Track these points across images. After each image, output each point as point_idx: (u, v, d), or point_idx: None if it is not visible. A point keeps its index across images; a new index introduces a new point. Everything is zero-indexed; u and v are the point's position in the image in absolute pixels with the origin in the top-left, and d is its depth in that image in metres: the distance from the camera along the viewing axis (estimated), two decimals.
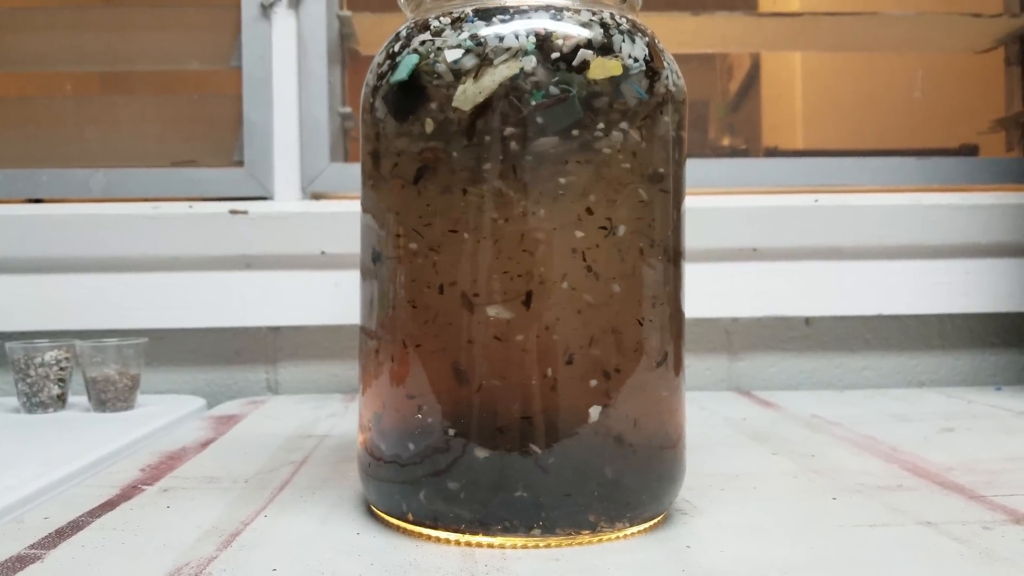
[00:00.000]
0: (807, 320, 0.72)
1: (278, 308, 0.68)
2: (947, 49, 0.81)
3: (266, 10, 0.70)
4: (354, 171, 0.70)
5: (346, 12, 0.71)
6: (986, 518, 0.34)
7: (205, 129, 0.73)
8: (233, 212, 0.66)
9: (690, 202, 0.66)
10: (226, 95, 0.72)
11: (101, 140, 0.73)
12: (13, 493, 0.38)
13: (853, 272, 0.69)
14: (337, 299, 0.67)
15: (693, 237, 0.66)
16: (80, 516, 0.34)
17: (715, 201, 0.68)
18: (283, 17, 0.70)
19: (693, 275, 0.66)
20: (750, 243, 0.68)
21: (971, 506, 0.35)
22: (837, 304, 0.69)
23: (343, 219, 0.66)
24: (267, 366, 0.71)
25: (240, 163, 0.71)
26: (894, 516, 0.34)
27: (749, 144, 1.61)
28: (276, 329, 0.70)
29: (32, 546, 0.30)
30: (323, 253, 0.67)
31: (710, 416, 0.58)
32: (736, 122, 1.89)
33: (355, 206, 0.66)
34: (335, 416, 0.58)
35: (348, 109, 0.73)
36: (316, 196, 0.71)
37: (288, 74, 0.70)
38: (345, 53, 0.74)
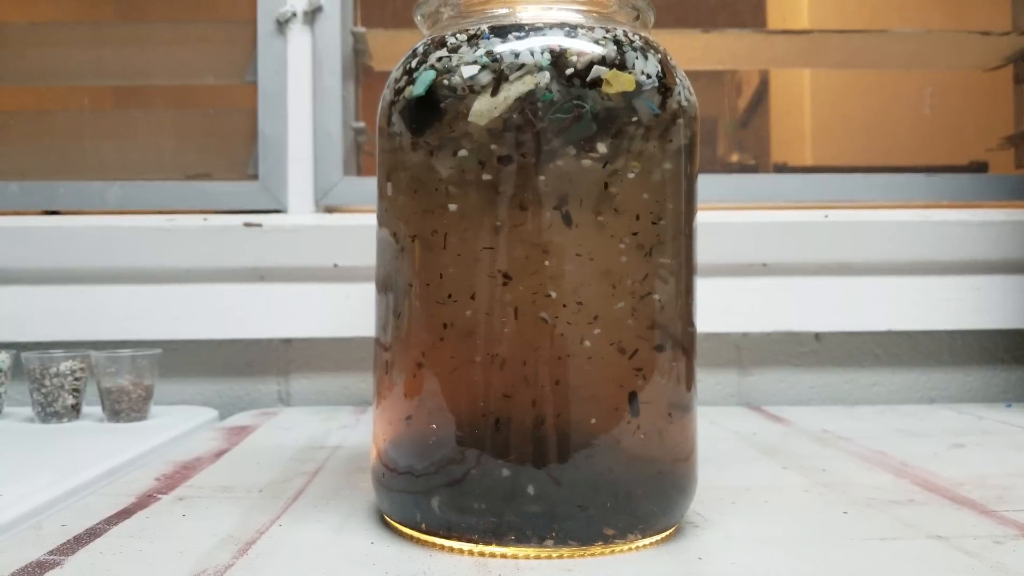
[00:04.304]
0: (817, 336, 0.72)
1: (290, 320, 0.68)
2: (956, 67, 0.81)
3: (281, 26, 0.71)
4: (367, 185, 0.71)
5: (360, 28, 0.72)
6: (997, 532, 0.34)
7: (220, 143, 0.74)
8: (247, 225, 0.67)
9: (700, 217, 0.66)
10: (241, 109, 0.73)
11: (117, 153, 0.74)
12: (29, 500, 0.38)
13: (863, 288, 0.69)
14: (348, 312, 0.68)
15: (703, 252, 0.66)
16: (97, 523, 0.34)
17: (725, 216, 0.68)
18: (298, 33, 0.71)
19: (703, 290, 0.66)
20: (760, 258, 0.68)
21: (982, 521, 0.35)
22: (847, 320, 0.69)
23: (355, 232, 0.67)
24: (279, 378, 0.71)
25: (254, 176, 0.72)
26: (905, 530, 0.34)
27: (758, 160, 1.61)
28: (288, 341, 0.71)
29: (51, 552, 0.31)
30: (335, 266, 0.67)
31: (720, 431, 0.58)
32: (745, 138, 1.89)
33: (367, 219, 0.67)
34: (346, 428, 0.59)
35: (362, 124, 0.73)
36: (329, 209, 0.72)
37: (303, 89, 0.71)
38: (359, 69, 0.75)
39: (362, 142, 0.74)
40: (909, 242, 0.68)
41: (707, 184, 0.72)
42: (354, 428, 0.59)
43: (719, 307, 0.69)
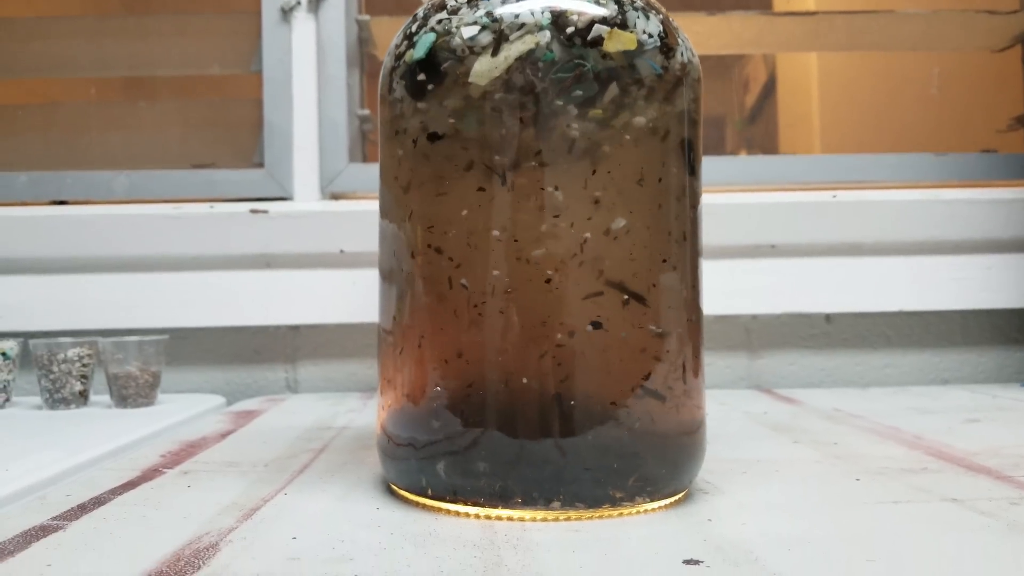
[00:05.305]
0: (827, 317, 0.71)
1: (297, 307, 0.68)
2: (963, 47, 0.80)
3: (286, 14, 0.71)
4: (372, 171, 0.71)
5: (364, 16, 0.72)
6: (1013, 495, 0.33)
7: (226, 132, 0.74)
8: (253, 212, 0.67)
9: (707, 199, 0.66)
10: (247, 99, 0.74)
11: (124, 144, 0.74)
12: (35, 475, 0.38)
13: (873, 268, 0.69)
14: (355, 297, 0.68)
15: (711, 235, 0.66)
16: (102, 494, 0.34)
17: (732, 198, 0.68)
18: (303, 21, 0.71)
19: (712, 273, 0.66)
20: (768, 239, 0.68)
21: (997, 485, 0.35)
22: (857, 301, 0.69)
23: (361, 218, 0.67)
24: (286, 365, 0.71)
25: (260, 165, 0.72)
26: (918, 494, 0.34)
27: (767, 153, 1.61)
28: (295, 328, 0.71)
29: (54, 518, 0.31)
30: (341, 252, 0.67)
31: (730, 411, 0.57)
32: (754, 134, 1.89)
33: (373, 206, 0.66)
34: (353, 411, 0.58)
35: (366, 111, 0.73)
36: (335, 196, 0.72)
37: (308, 77, 0.71)
38: (363, 57, 0.75)
39: (367, 130, 0.74)
40: (918, 221, 0.68)
41: (716, 166, 0.71)
42: (361, 412, 0.58)
43: (728, 289, 0.68)
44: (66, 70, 0.75)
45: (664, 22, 0.33)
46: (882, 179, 0.71)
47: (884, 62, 1.08)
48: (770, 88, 1.69)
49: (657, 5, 0.34)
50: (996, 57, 0.79)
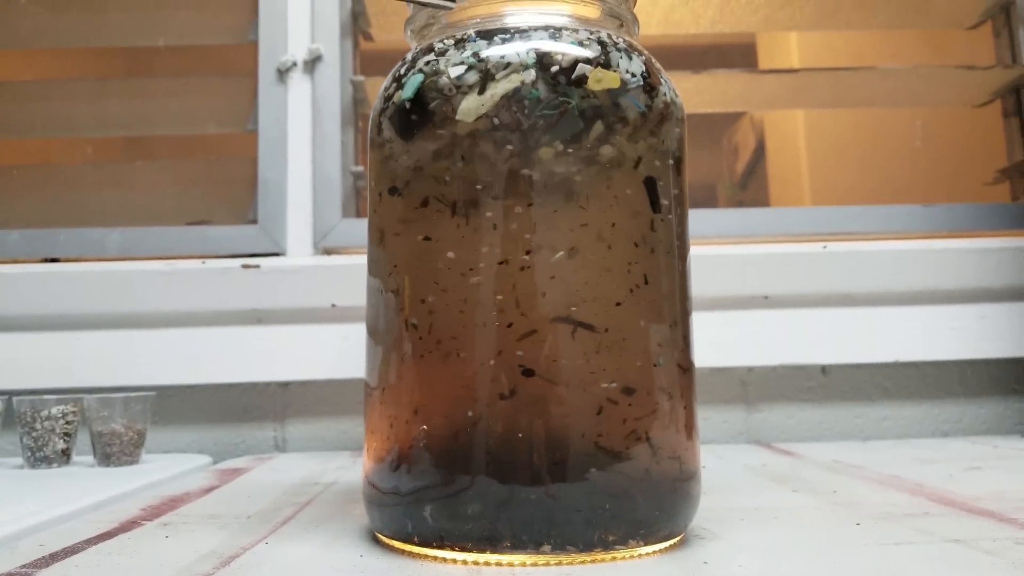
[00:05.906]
0: (823, 369, 0.70)
1: (287, 363, 0.67)
2: (944, 103, 0.82)
3: (282, 75, 0.72)
4: (365, 226, 0.71)
5: (359, 77, 0.74)
6: (1017, 536, 0.32)
7: (221, 190, 0.75)
8: (245, 267, 0.67)
9: (699, 251, 0.66)
10: (242, 157, 0.74)
11: (120, 202, 0.74)
12: (7, 527, 0.37)
13: (866, 319, 0.68)
14: (347, 353, 0.67)
15: (703, 285, 0.66)
16: (75, 543, 0.33)
17: (723, 250, 0.68)
18: (298, 82, 0.72)
19: (705, 324, 0.66)
20: (761, 291, 0.68)
21: (1001, 527, 0.34)
22: (853, 352, 0.68)
23: (353, 271, 0.67)
24: (275, 424, 0.70)
25: (254, 221, 0.72)
26: (920, 536, 0.32)
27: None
28: (285, 385, 0.70)
29: (24, 566, 0.29)
30: (333, 306, 0.67)
31: (729, 464, 0.56)
32: (744, 198, 1.91)
33: (364, 260, 0.66)
34: (343, 468, 0.57)
35: (360, 168, 0.74)
36: (328, 251, 0.72)
37: (303, 135, 0.72)
38: (357, 116, 0.76)
39: (361, 186, 0.75)
40: (910, 271, 0.68)
41: (707, 219, 0.72)
42: (350, 469, 0.57)
43: (722, 341, 0.68)
44: (66, 130, 0.75)
45: (647, 63, 0.34)
46: (872, 230, 0.72)
47: (869, 117, 1.10)
48: (759, 154, 1.72)
49: (640, 47, 0.34)
50: (978, 111, 0.81)
